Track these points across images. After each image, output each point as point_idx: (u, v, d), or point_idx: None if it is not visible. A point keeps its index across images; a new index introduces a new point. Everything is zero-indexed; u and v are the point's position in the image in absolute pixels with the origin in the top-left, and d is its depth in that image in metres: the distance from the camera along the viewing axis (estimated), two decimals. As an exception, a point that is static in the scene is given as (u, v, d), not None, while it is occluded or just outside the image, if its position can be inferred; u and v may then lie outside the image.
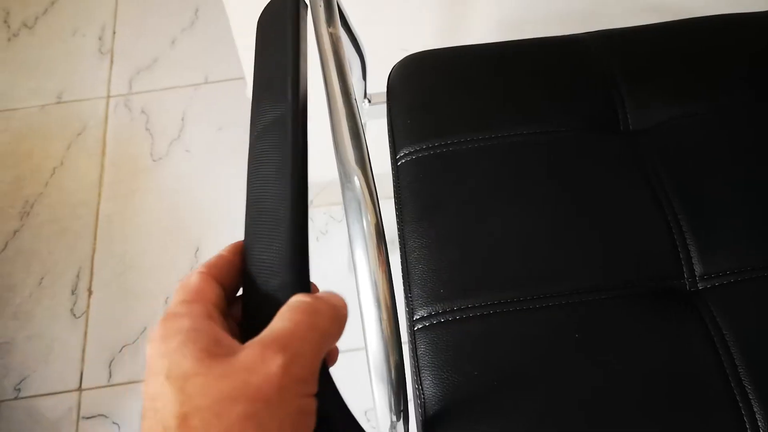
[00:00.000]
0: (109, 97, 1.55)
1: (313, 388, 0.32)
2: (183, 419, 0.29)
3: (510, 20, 1.03)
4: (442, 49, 0.88)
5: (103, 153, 1.46)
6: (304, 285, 0.38)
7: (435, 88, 0.84)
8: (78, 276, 1.31)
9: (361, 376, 0.67)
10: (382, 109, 0.88)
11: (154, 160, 1.45)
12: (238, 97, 1.49)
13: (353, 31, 0.85)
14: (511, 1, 1.01)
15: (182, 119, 1.50)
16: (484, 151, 0.78)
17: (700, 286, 0.70)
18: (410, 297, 0.71)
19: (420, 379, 0.66)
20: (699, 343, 0.66)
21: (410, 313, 0.70)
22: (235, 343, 0.33)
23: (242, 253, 0.42)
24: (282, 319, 0.34)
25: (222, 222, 1.36)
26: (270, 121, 0.47)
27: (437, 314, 0.69)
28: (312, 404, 0.32)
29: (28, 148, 1.49)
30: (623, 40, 0.86)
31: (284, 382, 0.31)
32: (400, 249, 0.75)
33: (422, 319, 0.69)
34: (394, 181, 0.79)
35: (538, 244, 0.71)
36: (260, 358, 0.31)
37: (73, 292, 1.30)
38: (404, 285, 0.73)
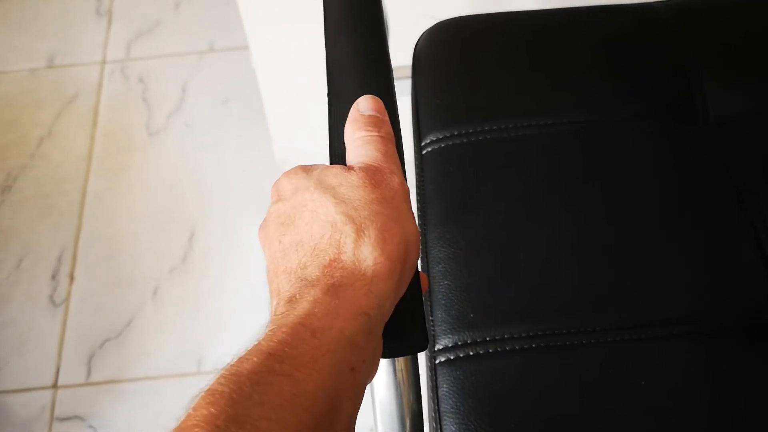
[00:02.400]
0: (104, 62, 1.41)
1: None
2: (346, 214, 0.37)
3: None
4: (479, 16, 0.74)
5: (95, 124, 1.33)
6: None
7: (469, 62, 0.70)
8: (60, 259, 1.19)
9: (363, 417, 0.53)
10: (407, 85, 0.74)
11: (149, 134, 1.31)
12: (245, 67, 1.34)
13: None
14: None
15: (183, 90, 1.36)
16: (529, 142, 0.64)
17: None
18: (432, 321, 0.57)
19: (441, 428, 0.53)
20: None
21: (431, 341, 0.56)
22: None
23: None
24: (377, 148, 0.42)
25: (222, 205, 1.22)
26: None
27: (465, 345, 0.55)
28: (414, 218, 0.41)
29: (14, 115, 1.36)
30: (706, 11, 0.71)
31: (402, 190, 0.40)
32: (422, 258, 0.61)
33: (446, 350, 0.55)
34: (416, 174, 0.65)
35: (593, 261, 0.57)
36: (389, 178, 0.40)
37: (53, 277, 1.17)
38: (425, 305, 0.59)
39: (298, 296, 0.35)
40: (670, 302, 0.55)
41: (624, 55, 0.68)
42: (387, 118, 0.45)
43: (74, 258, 1.19)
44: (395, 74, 0.83)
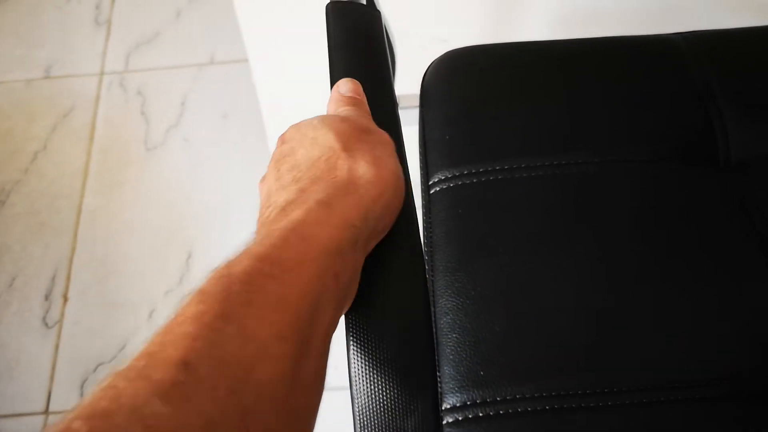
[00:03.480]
0: (102, 74, 1.38)
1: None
2: (344, 143, 0.41)
3: (576, 14, 0.84)
4: (489, 46, 0.70)
5: (91, 138, 1.30)
6: None
7: (480, 95, 0.67)
8: (53, 279, 1.15)
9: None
10: (414, 114, 0.71)
11: (147, 149, 1.28)
12: (246, 81, 1.31)
13: (384, 20, 0.67)
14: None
15: (182, 103, 1.33)
16: (542, 183, 0.60)
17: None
18: (439, 376, 0.54)
19: (448, 497, 0.49)
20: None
21: (438, 398, 0.53)
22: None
23: None
24: (358, 115, 0.47)
25: (220, 225, 1.19)
26: None
27: (474, 405, 0.52)
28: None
29: (8, 127, 1.33)
30: (726, 43, 0.67)
31: (392, 144, 0.45)
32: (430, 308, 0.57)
33: (454, 410, 0.52)
34: (423, 215, 0.62)
35: (611, 316, 0.54)
36: (375, 128, 0.46)
37: (46, 298, 1.14)
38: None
39: (292, 206, 0.37)
40: (691, 362, 0.51)
41: (640, 91, 0.65)
42: (365, 99, 0.49)
43: (68, 278, 1.15)
44: (402, 103, 0.80)
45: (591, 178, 0.60)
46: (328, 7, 0.52)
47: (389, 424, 0.37)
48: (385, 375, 0.38)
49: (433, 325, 0.56)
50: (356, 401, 0.37)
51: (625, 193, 0.60)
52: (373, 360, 0.38)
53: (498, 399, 0.51)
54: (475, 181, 0.61)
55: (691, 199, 0.60)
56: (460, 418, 0.51)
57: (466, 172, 0.61)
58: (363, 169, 0.40)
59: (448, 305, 0.56)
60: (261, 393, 0.29)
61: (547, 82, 0.66)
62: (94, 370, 1.08)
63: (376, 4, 0.63)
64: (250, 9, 0.88)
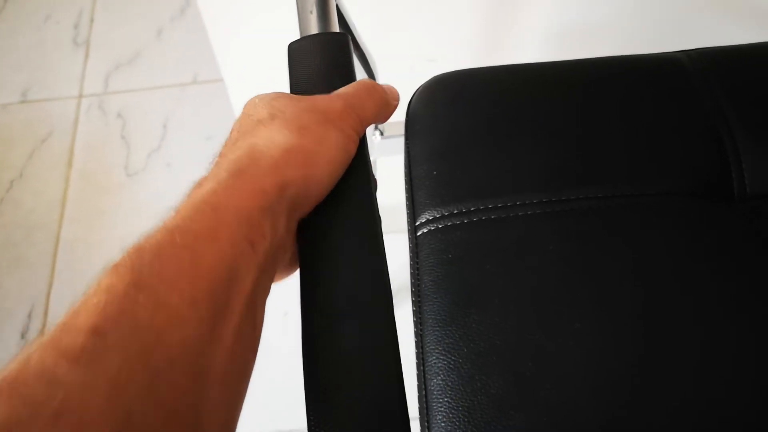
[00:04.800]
0: (81, 96, 1.32)
1: (357, 137, 0.44)
2: (270, 116, 0.41)
3: (572, 31, 0.79)
4: (482, 69, 0.65)
5: (70, 164, 1.24)
6: None
7: (469, 125, 0.61)
8: (30, 316, 1.10)
9: None
10: (399, 143, 0.65)
11: (128, 175, 1.22)
12: (230, 101, 1.26)
13: (359, 39, 0.62)
14: (574, 6, 0.76)
15: (164, 126, 1.27)
16: (543, 223, 0.55)
17: None
18: (430, 446, 0.48)
19: None
20: None
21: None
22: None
23: None
24: (348, 86, 0.45)
25: (204, 254, 1.13)
26: None
27: (469, 479, 0.46)
28: (353, 145, 0.43)
29: (-17, 155, 1.27)
30: (737, 62, 0.62)
31: (343, 114, 0.43)
32: (418, 366, 0.52)
33: (447, 486, 0.46)
34: (411, 259, 0.56)
35: (617, 377, 0.48)
36: (328, 99, 0.44)
37: (23, 336, 1.08)
38: (421, 424, 0.50)
39: (206, 178, 0.37)
40: (713, 424, 0.46)
41: (645, 119, 0.59)
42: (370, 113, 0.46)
43: (46, 314, 1.10)
44: (388, 131, 0.75)
45: (593, 217, 0.55)
46: (289, 48, 0.47)
47: None
48: None
49: (423, 385, 0.51)
50: None
51: (632, 233, 0.54)
52: None
53: (495, 473, 0.46)
54: (465, 221, 0.56)
55: (705, 236, 0.54)
56: (453, 496, 0.46)
57: (455, 212, 0.56)
58: (281, 135, 0.40)
59: (439, 364, 0.50)
60: (171, 356, 0.30)
61: (543, 110, 0.61)
62: (74, 413, 1.02)
63: (349, 23, 0.57)
64: (223, 31, 0.83)
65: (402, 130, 0.65)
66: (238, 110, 0.98)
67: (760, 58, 0.64)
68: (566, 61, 0.64)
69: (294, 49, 0.48)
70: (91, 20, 1.42)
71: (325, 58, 0.46)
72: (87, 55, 1.38)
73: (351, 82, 0.48)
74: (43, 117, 1.31)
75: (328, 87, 0.45)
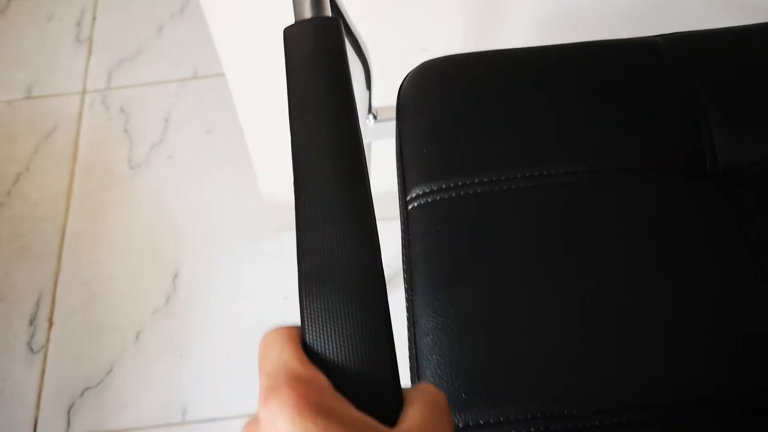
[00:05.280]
0: (84, 92, 1.36)
1: None
2: None
3: (557, 21, 0.82)
4: (469, 54, 0.68)
5: (74, 158, 1.28)
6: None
7: (458, 106, 0.65)
8: (38, 303, 1.13)
9: None
10: (391, 126, 0.69)
11: (131, 168, 1.26)
12: (231, 95, 1.29)
13: (351, 26, 0.66)
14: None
15: (166, 120, 1.31)
16: (526, 196, 0.58)
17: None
18: (420, 401, 0.51)
19: None
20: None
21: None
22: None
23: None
24: (422, 414, 0.32)
25: (206, 244, 1.17)
26: None
27: (457, 429, 0.50)
28: None
29: (-10, 149, 1.31)
30: (711, 46, 0.65)
31: None
32: (408, 329, 0.55)
33: (436, 436, 0.50)
34: (402, 232, 0.60)
35: (597, 337, 0.52)
36: None
37: (31, 323, 1.12)
38: (412, 381, 0.54)
39: None
40: (682, 381, 0.50)
41: (624, 99, 0.63)
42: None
43: (53, 302, 1.13)
44: (381, 116, 0.78)
45: (575, 189, 0.58)
46: (284, 32, 0.50)
47: None
48: None
49: (413, 345, 0.54)
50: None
51: (611, 205, 0.58)
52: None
53: (481, 423, 0.50)
54: (453, 195, 0.59)
55: (679, 208, 0.58)
56: (442, 445, 0.49)
57: (444, 187, 0.60)
58: None
59: (429, 326, 0.54)
60: None
61: (528, 91, 0.64)
62: (81, 395, 1.06)
63: (341, 9, 0.61)
64: (224, 24, 0.86)
65: (394, 114, 0.68)
66: (239, 103, 1.02)
67: (733, 42, 0.67)
68: (549, 45, 0.67)
69: (288, 34, 0.51)
70: (93, 18, 1.45)
71: (318, 42, 0.48)
72: (90, 52, 1.41)
73: (344, 66, 0.50)
74: (47, 112, 1.34)
75: (322, 70, 0.47)
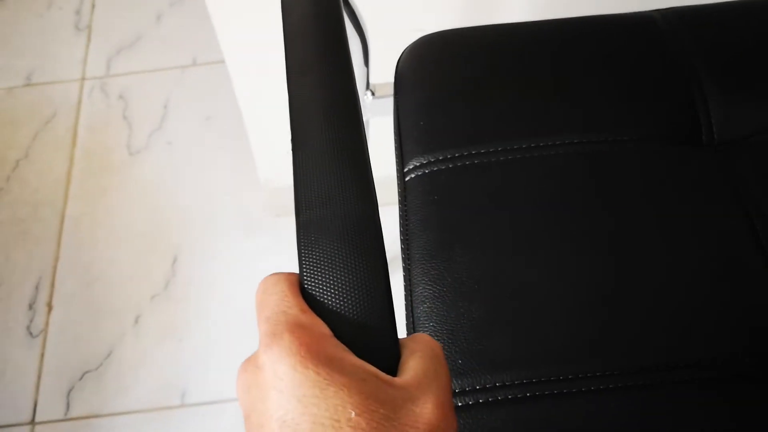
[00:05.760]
0: (83, 79, 1.36)
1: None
2: None
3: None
4: (465, 29, 0.69)
5: (74, 144, 1.28)
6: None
7: (455, 79, 0.65)
8: (37, 287, 1.14)
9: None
10: (389, 103, 0.69)
11: (130, 154, 1.26)
12: (229, 82, 1.29)
13: (351, 3, 0.66)
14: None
15: (165, 106, 1.31)
16: (521, 167, 0.58)
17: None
18: (417, 367, 0.52)
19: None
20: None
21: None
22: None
23: None
24: (423, 364, 0.32)
25: (205, 228, 1.17)
26: None
27: (454, 395, 0.50)
28: None
29: (-10, 136, 1.31)
30: (707, 20, 0.66)
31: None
32: (405, 297, 0.56)
33: (432, 400, 0.50)
34: (400, 202, 0.60)
35: (591, 302, 0.52)
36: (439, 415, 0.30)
37: (30, 307, 1.12)
38: (409, 349, 0.54)
39: None
40: (674, 347, 0.50)
41: (621, 71, 0.63)
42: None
43: (52, 286, 1.14)
44: (378, 92, 0.78)
45: (570, 160, 0.59)
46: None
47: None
48: None
49: (410, 314, 0.55)
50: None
51: (605, 175, 0.58)
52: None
53: (477, 388, 0.50)
54: (450, 166, 0.59)
55: (675, 178, 0.58)
56: (438, 409, 0.50)
57: (441, 158, 0.60)
58: None
59: (425, 293, 0.54)
60: None
61: (523, 65, 0.65)
62: (81, 378, 1.06)
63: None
64: (225, 11, 0.87)
65: (392, 91, 0.69)
66: (238, 89, 1.02)
67: (728, 16, 0.68)
68: (545, 20, 0.68)
69: (285, 1, 0.51)
70: (93, 6, 1.46)
71: (316, 5, 0.49)
72: (89, 40, 1.41)
73: (341, 30, 0.50)
74: (46, 99, 1.34)
75: (320, 31, 0.48)
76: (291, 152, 0.40)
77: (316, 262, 0.34)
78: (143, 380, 1.05)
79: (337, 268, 0.34)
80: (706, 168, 0.58)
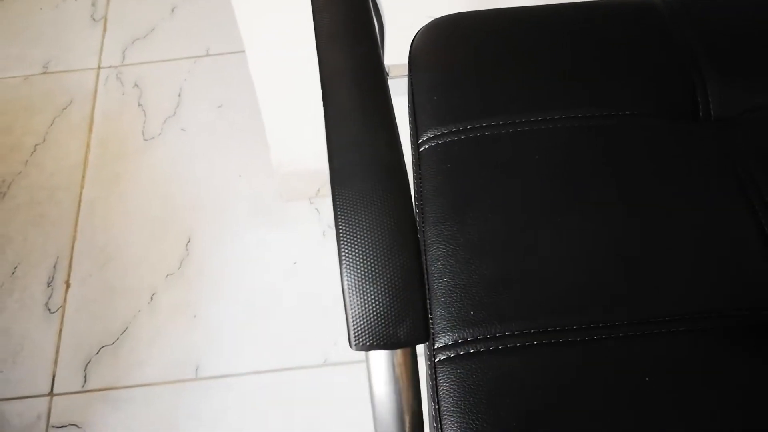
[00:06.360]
0: (99, 68, 1.40)
1: None
2: None
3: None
4: (476, 12, 0.73)
5: (90, 130, 1.32)
6: None
7: (467, 58, 0.69)
8: (55, 267, 1.17)
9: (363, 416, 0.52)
10: (404, 84, 0.73)
11: (145, 140, 1.30)
12: (241, 72, 1.34)
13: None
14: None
15: (179, 95, 1.35)
16: (530, 138, 0.63)
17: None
18: (431, 319, 0.56)
19: (441, 427, 0.51)
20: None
21: (430, 339, 0.55)
22: None
23: None
24: None
25: (217, 212, 1.21)
26: None
27: (465, 342, 0.54)
28: None
29: (8, 122, 1.35)
30: (704, 7, 0.70)
31: None
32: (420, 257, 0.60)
33: (446, 348, 0.54)
34: (414, 171, 0.64)
35: (597, 258, 0.56)
36: None
37: (48, 284, 1.16)
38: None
39: None
40: (676, 299, 0.54)
41: (624, 53, 0.68)
42: None
43: (69, 265, 1.17)
44: (392, 72, 0.82)
45: (576, 132, 0.63)
46: None
47: (382, 331, 0.39)
48: (377, 288, 0.40)
49: (425, 271, 0.58)
50: (350, 312, 0.40)
51: (608, 147, 0.62)
52: (365, 274, 0.40)
53: (488, 336, 0.54)
54: (463, 137, 0.63)
55: (674, 152, 0.62)
56: (451, 355, 0.54)
57: (454, 130, 0.64)
58: None
59: (439, 252, 0.58)
60: None
61: (531, 46, 0.69)
62: (97, 353, 1.10)
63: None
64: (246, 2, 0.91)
65: (404, 72, 0.73)
66: (255, 72, 1.06)
67: (726, 2, 0.72)
68: (552, 4, 0.72)
69: None
70: (108, -2, 1.50)
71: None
72: (104, 30, 1.46)
73: (365, 2, 0.54)
74: (63, 87, 1.38)
75: (345, 5, 0.52)
76: (322, 107, 0.44)
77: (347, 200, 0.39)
78: (158, 354, 1.09)
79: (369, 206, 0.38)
80: (703, 140, 0.62)
